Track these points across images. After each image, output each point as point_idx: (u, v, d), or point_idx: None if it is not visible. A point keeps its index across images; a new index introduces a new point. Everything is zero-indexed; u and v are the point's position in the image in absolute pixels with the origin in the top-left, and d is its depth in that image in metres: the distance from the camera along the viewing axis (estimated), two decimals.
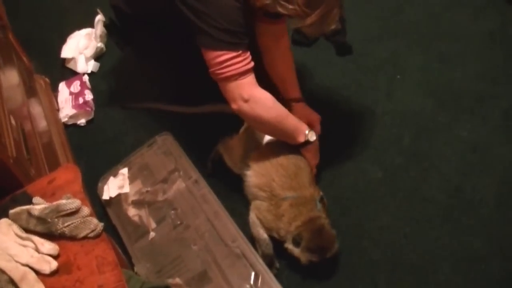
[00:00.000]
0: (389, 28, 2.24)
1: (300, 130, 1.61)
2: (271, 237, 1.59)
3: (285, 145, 1.65)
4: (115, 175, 1.85)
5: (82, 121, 2.15)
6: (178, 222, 1.69)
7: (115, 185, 1.81)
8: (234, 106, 1.49)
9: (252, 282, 1.50)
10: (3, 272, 1.05)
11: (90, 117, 2.17)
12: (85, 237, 1.14)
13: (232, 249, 1.57)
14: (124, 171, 1.84)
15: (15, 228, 1.14)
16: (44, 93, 2.12)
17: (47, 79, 2.26)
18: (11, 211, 1.16)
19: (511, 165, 1.76)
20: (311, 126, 1.67)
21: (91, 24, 2.40)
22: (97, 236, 1.15)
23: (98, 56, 2.39)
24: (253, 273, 1.51)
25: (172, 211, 1.72)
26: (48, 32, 2.57)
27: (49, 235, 1.14)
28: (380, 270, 1.60)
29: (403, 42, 2.18)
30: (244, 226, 1.63)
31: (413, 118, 1.93)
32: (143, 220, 1.74)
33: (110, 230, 1.74)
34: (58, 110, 2.19)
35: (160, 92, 2.06)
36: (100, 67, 2.35)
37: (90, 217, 1.16)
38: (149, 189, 1.79)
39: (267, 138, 1.71)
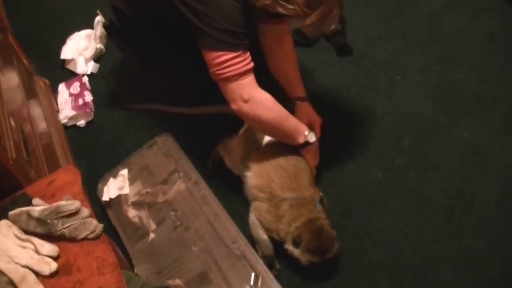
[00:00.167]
0: (389, 29, 2.24)
1: (299, 131, 1.61)
2: (271, 238, 1.58)
3: (285, 146, 1.64)
4: (115, 176, 1.85)
5: (81, 122, 2.15)
6: (178, 223, 1.69)
7: (115, 186, 1.80)
8: (234, 106, 1.49)
9: (252, 283, 1.50)
10: (3, 273, 1.05)
11: (90, 118, 2.17)
12: (85, 238, 1.15)
13: (232, 250, 1.57)
14: (124, 172, 1.84)
15: (15, 229, 1.14)
16: (44, 95, 2.12)
17: (46, 81, 2.26)
18: (11, 213, 1.16)
19: (511, 166, 1.76)
20: (311, 128, 1.67)
21: (90, 25, 2.40)
22: (97, 237, 1.15)
23: (97, 57, 2.39)
24: (253, 274, 1.51)
25: (172, 212, 1.72)
26: (48, 34, 2.57)
27: (49, 237, 1.14)
28: (380, 271, 1.60)
29: (404, 44, 2.18)
30: (244, 227, 1.63)
31: (414, 119, 1.93)
32: (143, 221, 1.74)
33: (110, 231, 1.73)
34: (57, 111, 2.18)
35: (160, 93, 2.05)
36: (99, 68, 2.35)
37: (90, 218, 1.16)
38: (149, 190, 1.79)
39: (267, 139, 1.70)
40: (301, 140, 1.61)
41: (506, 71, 2.01)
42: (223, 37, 1.38)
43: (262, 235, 1.58)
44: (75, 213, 1.15)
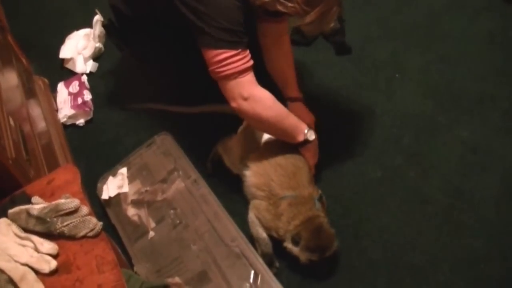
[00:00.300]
0: (388, 28, 2.24)
1: (299, 129, 1.61)
2: (271, 237, 1.58)
3: (284, 144, 1.65)
4: (114, 175, 1.85)
5: (81, 121, 2.15)
6: (178, 222, 1.69)
7: (114, 185, 1.80)
8: (233, 104, 1.49)
9: (251, 281, 1.50)
10: (2, 272, 1.05)
11: (89, 117, 2.17)
12: (84, 237, 1.15)
13: (231, 249, 1.57)
14: (123, 171, 1.84)
15: (14, 228, 1.14)
16: (43, 94, 2.11)
17: (46, 80, 2.26)
18: (10, 211, 1.16)
19: (510, 164, 1.76)
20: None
21: (89, 25, 2.40)
22: (96, 235, 1.15)
23: (96, 56, 2.39)
24: (252, 273, 1.51)
25: (172, 211, 1.72)
26: (47, 33, 2.57)
27: (48, 235, 1.15)
28: (379, 270, 1.60)
29: (403, 43, 2.18)
30: (244, 226, 1.63)
31: (413, 118, 1.93)
32: (142, 220, 1.74)
33: (110, 230, 1.73)
34: (57, 110, 2.18)
35: (159, 92, 2.05)
36: (98, 67, 2.35)
37: (89, 216, 1.16)
38: (148, 188, 1.79)
39: (266, 137, 1.70)
40: (300, 138, 1.61)
41: (505, 70, 2.01)
42: (222, 35, 1.38)
43: (262, 234, 1.58)
44: (75, 211, 1.15)
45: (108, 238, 1.18)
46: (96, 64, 2.36)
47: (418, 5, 2.30)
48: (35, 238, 1.13)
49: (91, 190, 1.83)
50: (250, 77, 1.46)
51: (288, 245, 1.53)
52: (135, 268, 1.64)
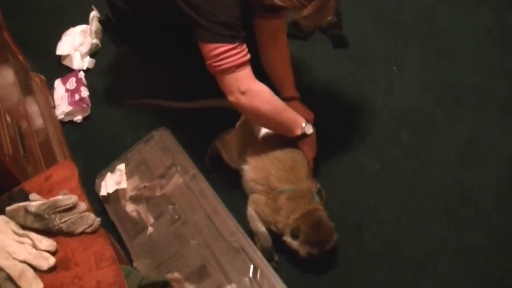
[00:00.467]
0: (386, 22, 2.24)
1: (297, 123, 1.60)
2: (270, 231, 1.58)
3: (282, 138, 1.64)
4: (112, 171, 1.85)
5: (78, 118, 2.15)
6: (177, 217, 1.69)
7: (113, 181, 1.80)
8: (231, 98, 1.48)
9: (251, 275, 1.49)
10: (1, 269, 1.05)
11: (87, 114, 2.16)
12: (83, 233, 1.15)
13: (230, 243, 1.57)
14: (122, 167, 1.84)
15: (12, 225, 1.14)
16: (40, 91, 2.11)
17: (43, 77, 2.25)
18: (8, 208, 1.16)
19: (509, 157, 1.76)
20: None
21: (86, 21, 2.39)
22: (95, 231, 1.15)
23: (93, 53, 2.38)
24: (252, 267, 1.51)
25: (170, 206, 1.71)
26: (43, 30, 2.55)
27: (46, 232, 1.14)
28: (379, 263, 1.61)
29: (400, 37, 2.17)
30: (242, 220, 1.63)
31: (411, 112, 1.93)
32: (141, 215, 1.73)
33: (109, 226, 1.73)
34: (54, 107, 2.18)
35: (157, 88, 2.05)
36: (95, 64, 2.34)
37: (87, 213, 1.15)
38: (146, 184, 1.79)
39: (264, 132, 1.70)
40: (298, 132, 1.60)
41: (502, 63, 2.02)
42: (219, 29, 1.38)
43: (261, 228, 1.58)
44: (73, 207, 1.15)
45: (106, 234, 1.18)
46: (93, 61, 2.34)
47: None
48: (33, 235, 1.12)
49: (89, 187, 1.82)
50: (247, 71, 1.45)
51: (287, 239, 1.53)
52: (134, 264, 1.64)
